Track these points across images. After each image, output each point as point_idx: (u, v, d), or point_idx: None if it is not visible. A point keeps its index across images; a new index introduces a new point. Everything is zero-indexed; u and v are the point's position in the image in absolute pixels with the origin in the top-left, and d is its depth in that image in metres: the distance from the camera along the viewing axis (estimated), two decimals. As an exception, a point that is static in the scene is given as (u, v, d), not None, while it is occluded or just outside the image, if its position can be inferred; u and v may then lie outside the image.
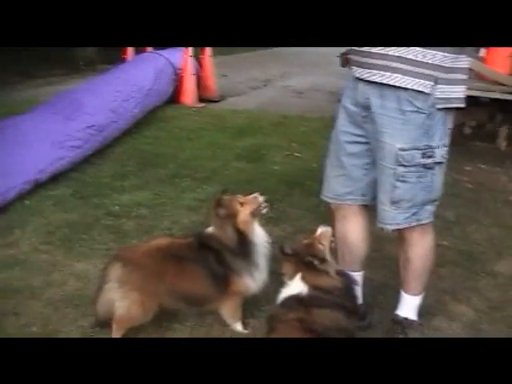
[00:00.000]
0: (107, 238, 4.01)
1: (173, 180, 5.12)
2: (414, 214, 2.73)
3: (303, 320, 2.39)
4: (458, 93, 2.61)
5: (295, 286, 2.53)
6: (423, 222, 2.77)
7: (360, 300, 3.17)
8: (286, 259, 2.60)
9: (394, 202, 2.69)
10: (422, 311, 3.25)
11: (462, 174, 5.43)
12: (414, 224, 2.75)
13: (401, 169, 2.61)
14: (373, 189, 2.86)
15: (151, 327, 3.09)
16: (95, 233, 4.09)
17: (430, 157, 2.61)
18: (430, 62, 2.51)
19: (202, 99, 7.90)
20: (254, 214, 3.02)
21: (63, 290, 3.40)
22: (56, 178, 5.02)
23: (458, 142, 6.22)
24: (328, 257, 2.63)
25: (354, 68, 2.69)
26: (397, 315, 3.05)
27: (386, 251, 3.92)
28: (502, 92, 5.26)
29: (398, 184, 2.65)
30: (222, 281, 2.97)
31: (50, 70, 9.92)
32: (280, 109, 7.41)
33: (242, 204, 2.99)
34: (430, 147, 2.61)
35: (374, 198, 2.89)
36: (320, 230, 2.71)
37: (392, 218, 2.74)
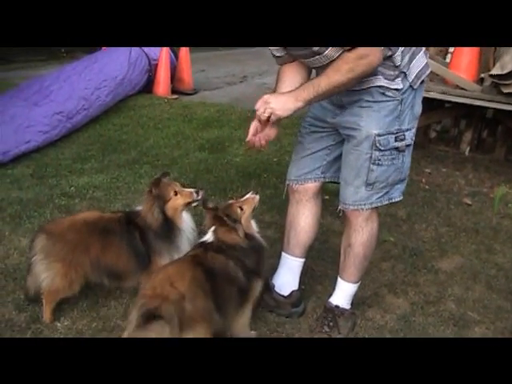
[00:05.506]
0: (57, 217, 4.03)
1: (133, 166, 5.15)
2: (385, 194, 2.85)
3: (196, 256, 2.70)
4: (421, 62, 2.73)
5: (207, 236, 2.80)
6: (394, 200, 2.91)
7: (295, 286, 3.25)
8: (207, 212, 2.86)
9: (368, 184, 2.80)
10: (359, 302, 3.33)
11: (420, 175, 5.51)
12: (385, 202, 2.89)
13: (377, 153, 2.72)
14: (331, 167, 3.03)
15: (86, 304, 3.13)
16: (47, 211, 4.12)
17: (401, 140, 2.74)
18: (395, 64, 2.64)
19: (176, 91, 7.92)
20: (185, 207, 3.12)
21: (5, 263, 3.43)
22: (17, 158, 5.04)
23: (423, 144, 6.33)
24: (243, 220, 2.80)
25: None
26: (329, 302, 3.11)
27: (331, 243, 3.98)
28: (462, 96, 5.34)
29: (374, 167, 2.76)
30: (144, 259, 3.03)
31: (30, 55, 9.87)
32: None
33: (176, 193, 3.08)
34: (401, 131, 2.73)
35: (332, 176, 3.07)
36: (247, 195, 2.90)
37: (366, 198, 2.84)
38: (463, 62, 5.67)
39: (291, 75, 2.83)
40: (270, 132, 2.79)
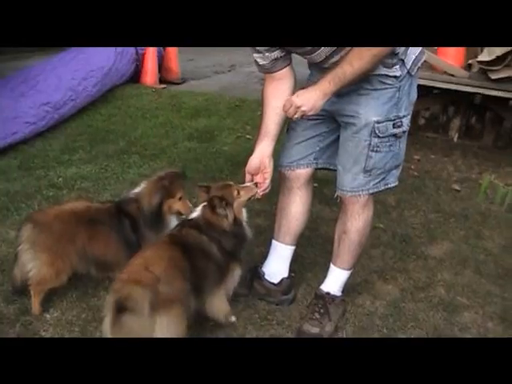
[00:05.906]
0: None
1: (121, 156, 5.12)
2: (382, 180, 2.88)
3: (172, 235, 2.79)
4: (417, 48, 2.74)
5: (195, 213, 2.85)
6: (390, 185, 2.94)
7: (286, 274, 3.26)
8: (200, 190, 2.91)
9: (367, 171, 2.82)
10: (349, 289, 3.33)
11: (409, 162, 5.48)
12: (382, 188, 2.91)
13: (375, 140, 2.75)
14: (324, 154, 3.05)
15: (76, 294, 3.12)
16: (35, 202, 4.09)
17: (399, 126, 2.76)
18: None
19: (163, 81, 7.88)
20: (178, 213, 3.14)
21: (-7, 255, 3.41)
22: (4, 150, 4.99)
23: (412, 131, 6.28)
24: (237, 203, 2.82)
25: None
26: (320, 289, 3.12)
27: (321, 231, 3.99)
28: (450, 82, 5.34)
29: (372, 154, 2.78)
30: (134, 248, 3.00)
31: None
32: (240, 93, 7.44)
33: (180, 198, 3.09)
34: (399, 117, 2.75)
35: (325, 163, 3.08)
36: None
37: (364, 185, 2.86)
38: (451, 48, 5.66)
39: (276, 97, 2.81)
40: (266, 187, 2.91)
